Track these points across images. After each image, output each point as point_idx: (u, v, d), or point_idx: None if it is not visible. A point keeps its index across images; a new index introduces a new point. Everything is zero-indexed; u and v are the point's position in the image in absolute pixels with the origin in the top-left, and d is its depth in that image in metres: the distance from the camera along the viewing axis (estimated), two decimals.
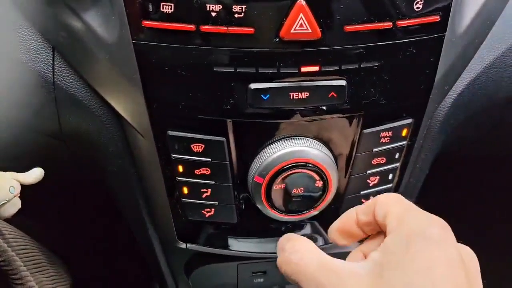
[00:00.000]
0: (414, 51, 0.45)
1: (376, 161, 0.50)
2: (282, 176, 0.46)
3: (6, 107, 0.51)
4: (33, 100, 0.50)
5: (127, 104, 0.47)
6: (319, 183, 0.47)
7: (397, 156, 0.51)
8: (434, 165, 0.62)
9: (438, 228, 0.37)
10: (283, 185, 0.47)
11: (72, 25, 0.45)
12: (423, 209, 0.40)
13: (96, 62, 0.46)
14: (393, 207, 0.39)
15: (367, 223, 0.41)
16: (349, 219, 0.43)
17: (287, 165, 0.46)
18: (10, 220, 0.56)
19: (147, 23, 0.41)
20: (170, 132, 0.46)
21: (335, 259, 0.39)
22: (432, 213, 0.41)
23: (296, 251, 0.41)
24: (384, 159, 0.50)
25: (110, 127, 0.51)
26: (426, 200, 0.63)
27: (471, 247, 0.40)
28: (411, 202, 0.40)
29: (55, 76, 0.49)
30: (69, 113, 0.51)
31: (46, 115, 0.51)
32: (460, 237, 0.41)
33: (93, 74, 0.48)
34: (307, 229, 0.57)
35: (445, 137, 0.58)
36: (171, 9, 0.40)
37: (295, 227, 0.56)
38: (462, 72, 0.53)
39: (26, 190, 0.51)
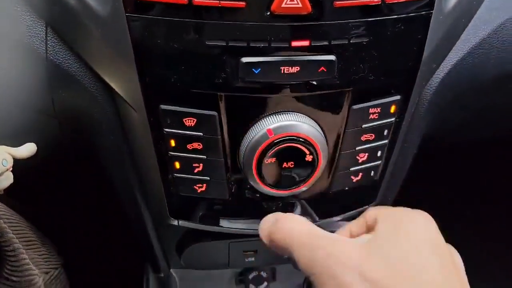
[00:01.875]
0: (402, 27, 0.46)
1: (365, 137, 0.51)
2: (273, 150, 0.47)
3: None
4: (25, 76, 0.51)
5: (120, 78, 0.48)
6: (309, 157, 0.48)
7: (385, 133, 0.52)
8: (422, 148, 0.63)
9: (423, 216, 0.43)
10: (273, 159, 0.47)
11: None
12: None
13: (88, 36, 0.47)
14: (382, 209, 0.46)
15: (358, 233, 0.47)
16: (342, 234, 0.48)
17: (278, 139, 0.47)
18: (1, 199, 0.57)
19: None
20: (163, 106, 0.47)
21: (325, 231, 0.43)
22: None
23: (288, 220, 0.44)
24: (373, 135, 0.51)
25: (103, 102, 0.51)
26: (414, 183, 0.65)
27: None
28: None
29: (47, 52, 0.49)
30: (62, 89, 0.51)
31: (39, 91, 0.51)
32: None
33: (85, 48, 0.48)
34: (298, 208, 0.58)
35: (433, 117, 0.59)
36: None
37: (286, 206, 0.57)
38: (449, 50, 0.54)
39: (17, 168, 0.52)
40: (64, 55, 0.50)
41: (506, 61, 0.59)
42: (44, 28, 0.49)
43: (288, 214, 0.47)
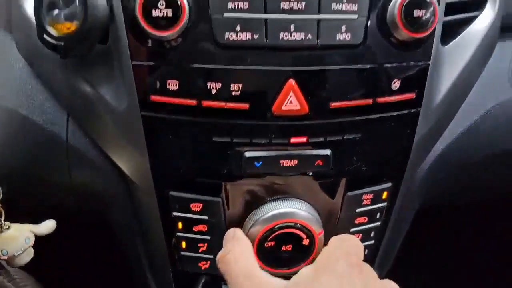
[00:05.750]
0: (392, 124, 0.50)
1: (359, 220, 0.55)
2: (273, 235, 0.50)
3: (20, 163, 0.55)
4: (46, 157, 0.55)
5: (133, 167, 0.52)
6: (306, 241, 0.52)
7: (378, 216, 0.56)
8: (415, 219, 0.66)
9: (345, 264, 0.43)
10: (273, 242, 0.51)
11: (87, 94, 0.50)
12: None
13: (106, 128, 0.51)
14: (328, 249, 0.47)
15: None
16: None
17: (277, 225, 0.50)
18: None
19: (154, 97, 0.46)
20: (172, 193, 0.51)
21: (264, 272, 0.45)
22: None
23: (233, 252, 0.47)
24: (366, 218, 0.55)
25: (117, 185, 0.55)
26: (407, 252, 0.68)
27: None
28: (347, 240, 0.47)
29: (68, 136, 0.54)
30: (80, 169, 0.55)
31: (58, 171, 0.55)
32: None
33: (103, 138, 0.53)
34: None
35: (425, 194, 0.63)
36: (176, 86, 0.46)
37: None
38: (438, 139, 0.58)
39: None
40: (83, 141, 0.54)
41: (494, 143, 0.62)
42: (66, 116, 0.54)
43: (238, 242, 0.48)
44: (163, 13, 0.43)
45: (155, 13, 0.43)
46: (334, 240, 0.48)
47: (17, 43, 0.55)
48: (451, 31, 0.54)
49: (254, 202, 0.52)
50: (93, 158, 0.54)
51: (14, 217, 0.55)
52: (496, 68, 0.61)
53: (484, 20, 0.57)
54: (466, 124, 0.60)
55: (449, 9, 0.53)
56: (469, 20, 0.56)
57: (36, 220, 0.56)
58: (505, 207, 0.88)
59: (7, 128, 0.54)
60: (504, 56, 0.62)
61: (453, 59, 0.54)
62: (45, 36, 0.46)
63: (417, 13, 0.46)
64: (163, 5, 0.43)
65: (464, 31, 0.56)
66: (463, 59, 0.55)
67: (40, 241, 0.56)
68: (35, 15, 0.45)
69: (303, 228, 0.51)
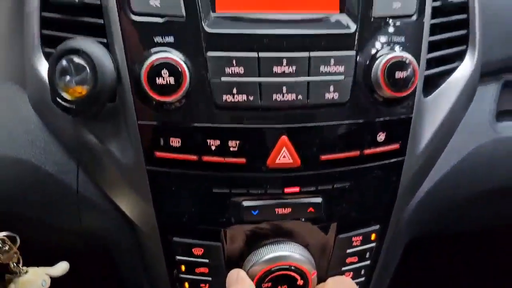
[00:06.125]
0: (379, 172, 0.55)
1: (350, 260, 0.59)
2: (269, 277, 0.54)
3: (34, 212, 0.59)
4: (58, 205, 0.59)
5: (139, 215, 0.56)
6: (301, 282, 0.55)
7: (367, 255, 0.60)
8: (404, 254, 0.70)
9: None
10: (270, 284, 0.55)
11: (95, 148, 0.54)
12: None
13: (113, 179, 0.55)
14: None
15: None
16: None
17: (273, 267, 0.54)
18: None
19: (158, 154, 0.51)
20: (175, 238, 0.55)
21: None
22: None
23: None
24: (357, 258, 0.59)
25: (124, 230, 0.59)
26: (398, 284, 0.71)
27: None
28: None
29: (78, 186, 0.58)
30: (89, 216, 0.59)
31: (69, 218, 0.59)
32: None
33: (111, 188, 0.57)
34: None
35: (412, 231, 0.66)
36: (178, 143, 0.50)
37: None
38: (423, 183, 0.62)
39: None
40: (92, 190, 0.58)
41: (475, 183, 0.66)
42: (76, 167, 0.58)
43: (241, 285, 0.51)
44: (166, 81, 0.47)
45: (159, 81, 0.47)
46: (330, 282, 0.52)
47: (30, 98, 0.59)
48: (432, 82, 0.59)
49: (251, 246, 0.56)
50: (102, 205, 0.58)
51: (27, 258, 0.59)
52: (477, 111, 0.66)
53: (464, 70, 0.61)
54: (449, 165, 0.64)
55: (430, 62, 0.57)
56: (450, 71, 0.60)
57: (46, 260, 0.60)
58: (490, 238, 0.92)
59: (21, 178, 0.58)
60: (484, 100, 0.67)
61: (435, 109, 0.58)
62: (58, 99, 0.50)
63: (398, 75, 0.50)
64: (166, 73, 0.47)
65: (445, 82, 0.60)
66: (444, 108, 0.59)
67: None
68: (49, 81, 0.49)
69: (297, 270, 0.55)
